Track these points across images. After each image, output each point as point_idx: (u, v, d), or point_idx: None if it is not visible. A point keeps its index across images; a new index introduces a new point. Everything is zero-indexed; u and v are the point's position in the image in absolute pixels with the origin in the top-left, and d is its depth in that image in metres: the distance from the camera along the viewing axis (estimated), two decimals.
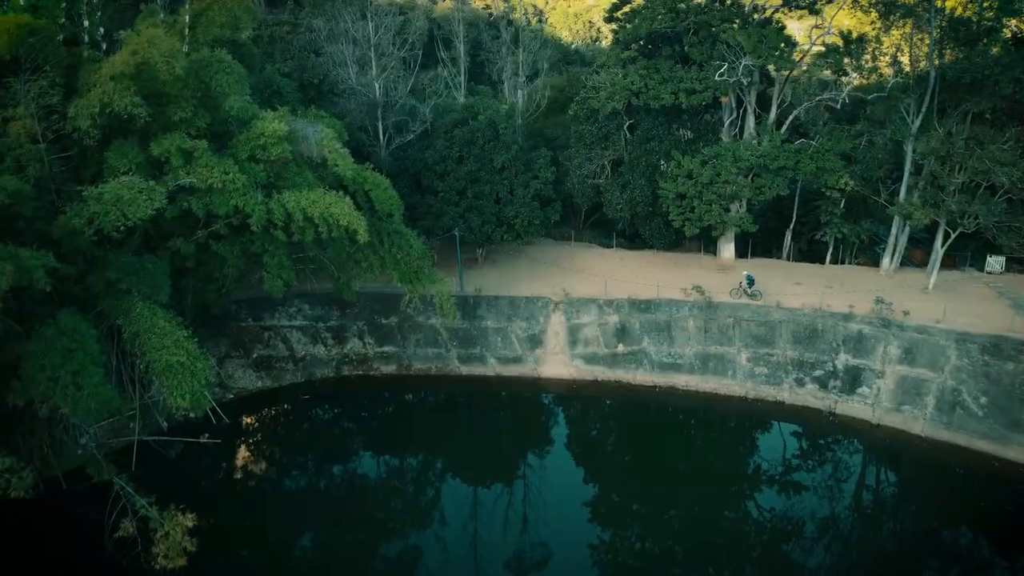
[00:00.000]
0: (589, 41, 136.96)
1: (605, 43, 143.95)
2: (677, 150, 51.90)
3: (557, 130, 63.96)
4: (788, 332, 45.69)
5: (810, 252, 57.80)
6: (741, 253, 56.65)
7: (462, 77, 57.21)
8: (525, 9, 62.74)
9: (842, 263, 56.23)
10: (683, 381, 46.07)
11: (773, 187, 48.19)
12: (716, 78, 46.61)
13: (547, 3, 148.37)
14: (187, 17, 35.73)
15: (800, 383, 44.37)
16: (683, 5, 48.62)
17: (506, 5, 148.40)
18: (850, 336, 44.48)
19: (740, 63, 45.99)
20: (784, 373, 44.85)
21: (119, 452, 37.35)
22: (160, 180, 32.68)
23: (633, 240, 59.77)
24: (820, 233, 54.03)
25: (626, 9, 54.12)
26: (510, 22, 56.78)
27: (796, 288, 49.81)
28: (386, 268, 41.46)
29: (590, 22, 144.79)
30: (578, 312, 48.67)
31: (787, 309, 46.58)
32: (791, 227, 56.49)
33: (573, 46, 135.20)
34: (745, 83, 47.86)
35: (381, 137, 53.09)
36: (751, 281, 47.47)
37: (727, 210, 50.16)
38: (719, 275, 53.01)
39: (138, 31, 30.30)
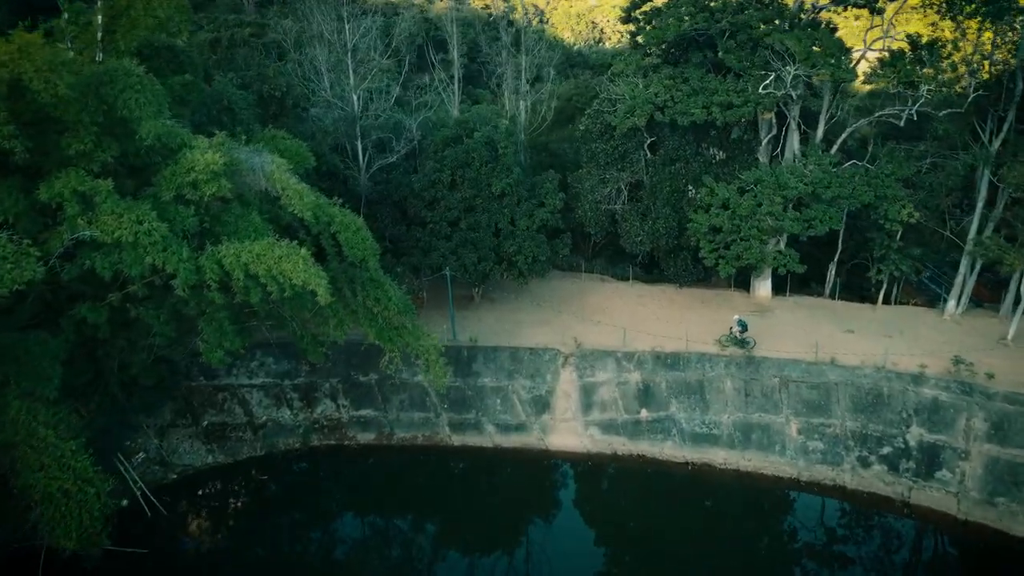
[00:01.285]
0: (592, 42, 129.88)
1: (609, 44, 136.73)
2: (708, 174, 44.10)
3: (564, 145, 56.20)
4: (847, 397, 37.90)
5: (854, 286, 49.98)
6: (777, 287, 48.80)
7: (456, 86, 49.52)
8: (526, 9, 54.95)
9: (896, 303, 48.40)
10: (721, 457, 38.21)
11: (826, 220, 40.38)
12: (761, 91, 38.75)
13: (548, 3, 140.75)
14: (99, 18, 27.86)
15: (864, 463, 36.55)
16: (716, 2, 40.77)
17: (506, 5, 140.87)
18: (923, 404, 36.72)
19: (789, 73, 38.14)
20: (844, 450, 37.02)
21: (18, 562, 29.50)
22: (54, 232, 24.89)
23: (651, 270, 51.98)
24: (873, 269, 46.22)
25: (646, 8, 46.32)
26: (511, 23, 49.11)
27: (848, 338, 42.08)
28: (360, 324, 33.71)
29: (593, 23, 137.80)
30: (592, 368, 40.87)
31: (844, 367, 38.83)
32: (835, 259, 48.65)
33: (576, 47, 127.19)
34: (795, 96, 40.05)
35: (360, 158, 45.26)
36: (744, 327, 39.99)
37: (764, 243, 42.36)
38: (755, 318, 45.22)
39: (10, 37, 22.46)
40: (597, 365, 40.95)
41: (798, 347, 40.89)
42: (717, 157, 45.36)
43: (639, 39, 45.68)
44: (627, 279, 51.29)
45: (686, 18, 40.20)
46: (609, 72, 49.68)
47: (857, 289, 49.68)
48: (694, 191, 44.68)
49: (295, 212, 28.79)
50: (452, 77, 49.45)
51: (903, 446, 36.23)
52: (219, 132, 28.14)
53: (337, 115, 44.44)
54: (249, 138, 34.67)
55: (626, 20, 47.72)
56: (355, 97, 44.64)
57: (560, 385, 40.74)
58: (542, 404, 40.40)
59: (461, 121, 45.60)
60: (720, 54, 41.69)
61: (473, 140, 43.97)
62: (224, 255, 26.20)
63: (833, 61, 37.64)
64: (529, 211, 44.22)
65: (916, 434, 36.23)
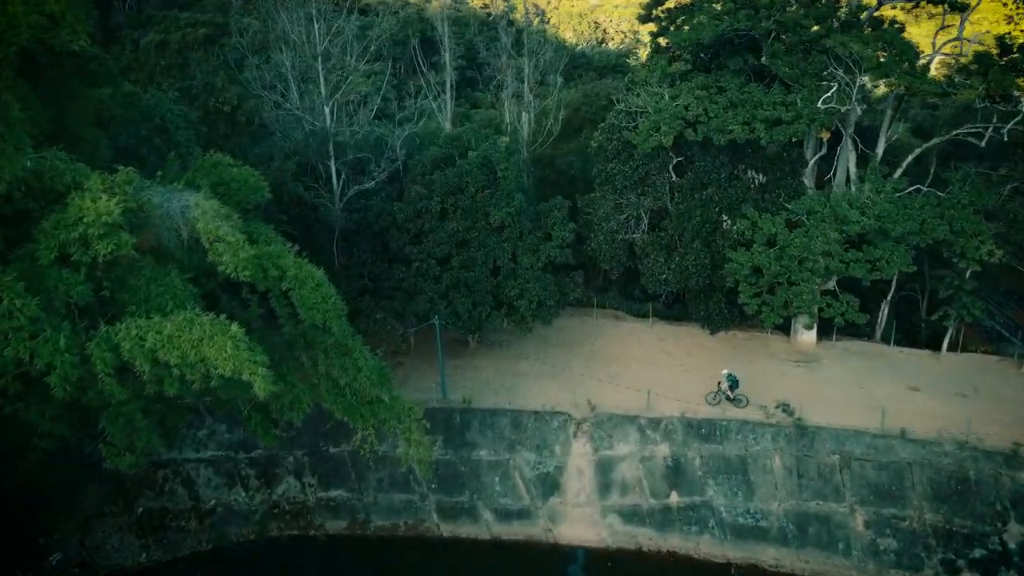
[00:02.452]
0: (595, 43, 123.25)
1: (612, 44, 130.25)
2: (747, 201, 37.06)
3: (572, 159, 49.03)
4: (924, 481, 30.90)
5: (901, 320, 42.65)
6: (821, 329, 41.59)
7: (448, 95, 42.45)
8: (528, 9, 47.86)
9: (960, 349, 41.27)
10: (771, 556, 31.12)
11: (894, 261, 33.38)
12: (820, 105, 31.68)
13: (549, 2, 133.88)
14: None
15: (951, 569, 29.50)
16: None
17: (506, 4, 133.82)
18: (1021, 493, 29.75)
19: (855, 83, 31.07)
20: (924, 551, 29.96)
21: None
22: None
23: (672, 305, 44.95)
24: (939, 313, 39.18)
25: (670, 4, 39.27)
26: (510, 22, 42.02)
27: (915, 398, 35.19)
28: (323, 400, 26.75)
29: (595, 22, 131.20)
30: (610, 438, 33.88)
31: (917, 441, 31.91)
32: (889, 298, 41.53)
33: (579, 48, 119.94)
34: (859, 111, 33.00)
35: (334, 182, 38.18)
36: (734, 383, 33.80)
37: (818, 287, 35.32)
38: (799, 369, 38.27)
39: None
40: (616, 434, 33.94)
41: (857, 411, 33.98)
42: (756, 181, 38.28)
43: (664, 41, 38.72)
44: (646, 315, 44.22)
45: (724, 16, 33.10)
46: (626, 79, 42.60)
47: (904, 324, 42.34)
48: (729, 221, 37.62)
49: (227, 271, 21.77)
50: (445, 84, 42.44)
51: (999, 548, 29.21)
52: (125, 168, 21.00)
53: (307, 131, 37.34)
54: (185, 165, 27.75)
55: (646, 19, 40.63)
56: (327, 110, 37.58)
57: (572, 460, 33.73)
58: (550, 484, 33.37)
59: (453, 138, 38.49)
60: (764, 59, 34.67)
61: (467, 161, 36.97)
62: (122, 339, 19.15)
63: (908, 68, 30.58)
64: (534, 245, 37.20)
65: (1016, 533, 29.24)
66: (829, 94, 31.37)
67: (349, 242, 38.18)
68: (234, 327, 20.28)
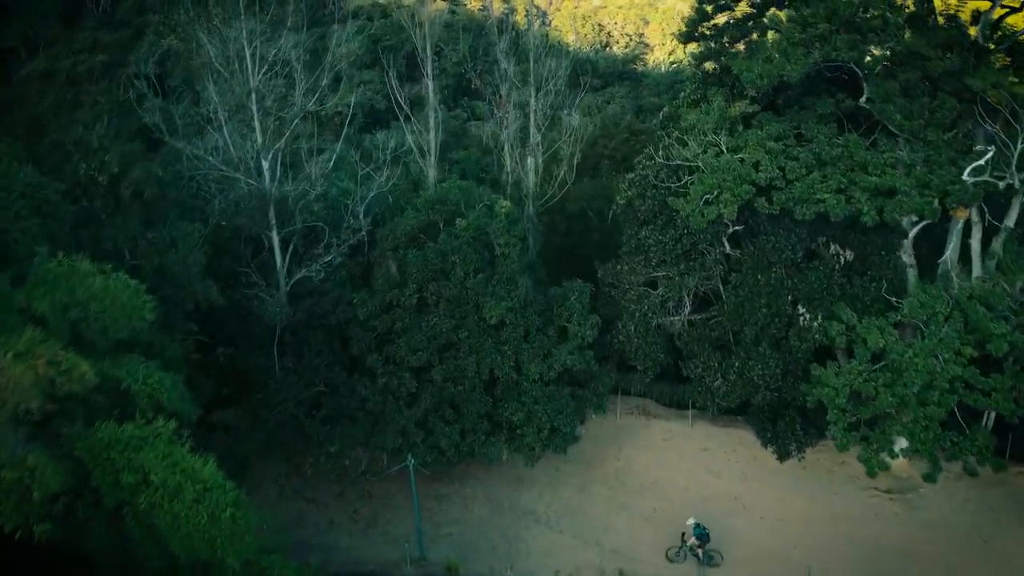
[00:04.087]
0: (599, 46, 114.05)
1: (617, 49, 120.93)
2: (831, 288, 27.36)
3: (589, 212, 39.04)
4: None
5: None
6: None
7: (432, 135, 32.54)
8: (535, 19, 37.73)
9: None
10: None
11: None
12: (968, 177, 21.93)
13: (551, 3, 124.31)
14: None
15: None
16: (869, 16, 23.79)
17: (505, 6, 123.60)
18: None
19: (1018, 144, 21.32)
20: None
21: None
22: None
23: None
24: None
25: (721, 19, 29.39)
26: (514, 42, 31.80)
27: None
28: None
29: (599, 25, 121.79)
30: None
31: None
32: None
33: (582, 52, 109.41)
34: (1019, 182, 23.20)
35: (278, 261, 28.41)
36: (703, 536, 25.21)
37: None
38: (891, 505, 28.69)
39: None
40: None
41: None
42: (842, 258, 28.48)
43: (711, 65, 28.93)
44: (686, 416, 34.31)
45: (816, 43, 23.26)
46: (661, 115, 32.77)
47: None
48: (807, 315, 27.90)
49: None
50: (427, 119, 32.50)
51: None
52: None
53: (238, 195, 27.53)
54: (21, 278, 18.16)
55: (689, 37, 30.77)
56: (266, 163, 27.76)
57: None
58: None
59: (436, 200, 28.66)
60: (865, 100, 24.91)
61: (455, 233, 27.34)
62: None
63: None
64: (544, 349, 27.58)
65: None
66: (982, 162, 21.61)
67: (299, 337, 28.51)
68: None
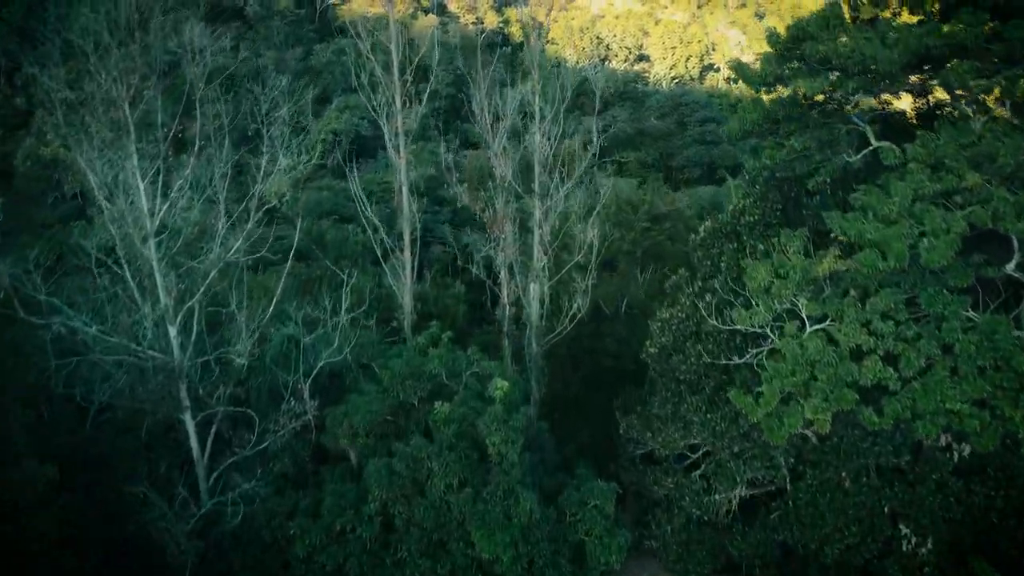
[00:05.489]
0: (598, 61, 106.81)
1: (615, 63, 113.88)
2: (952, 513, 19.87)
3: (603, 303, 31.29)
4: None
5: None
6: None
7: (406, 258, 24.64)
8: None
9: None
10: None
11: None
12: None
13: (548, 14, 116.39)
14: None
15: None
16: None
17: (500, 18, 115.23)
18: None
19: None
20: None
21: None
22: None
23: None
24: None
25: (821, 48, 20.76)
26: (496, 132, 23.67)
27: None
28: None
29: (597, 37, 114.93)
30: None
31: None
32: None
33: (580, 67, 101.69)
34: None
35: (195, 450, 20.77)
36: None
37: None
38: None
39: None
40: None
41: None
42: (956, 454, 20.98)
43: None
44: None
45: (959, 204, 15.60)
46: (703, 231, 25.15)
47: None
48: (911, 538, 20.41)
49: None
50: (402, 236, 24.65)
51: None
52: None
53: (132, 376, 19.84)
54: None
55: (774, 81, 21.39)
56: (174, 329, 20.06)
57: None
58: None
59: (409, 375, 20.97)
60: (1020, 269, 17.37)
61: (434, 427, 19.80)
62: None
63: None
64: None
65: None
66: None
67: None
68: None
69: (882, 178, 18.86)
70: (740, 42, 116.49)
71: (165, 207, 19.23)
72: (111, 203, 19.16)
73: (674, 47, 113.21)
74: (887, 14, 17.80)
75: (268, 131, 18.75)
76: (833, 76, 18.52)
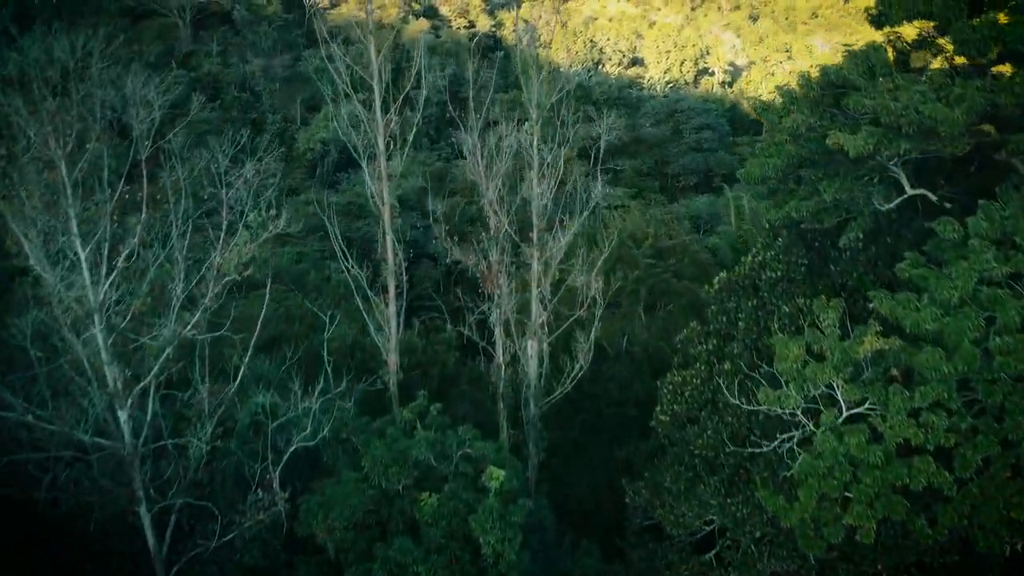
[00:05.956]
0: (591, 65, 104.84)
1: (610, 67, 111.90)
2: None
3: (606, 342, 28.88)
4: None
5: None
6: None
7: (392, 310, 22.33)
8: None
9: None
10: None
11: None
12: None
13: (541, 17, 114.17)
14: None
15: None
16: None
17: (492, 21, 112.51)
18: None
19: None
20: None
21: None
22: None
23: None
24: None
25: (868, 104, 17.63)
26: (492, 213, 20.72)
27: None
28: None
29: (591, 41, 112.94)
30: None
31: None
32: None
33: (573, 71, 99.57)
34: None
35: (151, 545, 18.29)
36: None
37: None
38: None
39: None
40: None
41: None
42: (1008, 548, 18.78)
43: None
44: None
45: None
46: (717, 282, 22.87)
47: None
48: None
49: None
50: (386, 293, 22.34)
51: None
52: None
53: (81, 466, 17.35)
54: None
55: (806, 131, 18.29)
56: (124, 414, 17.57)
57: None
58: None
59: (391, 462, 18.50)
60: None
61: (422, 509, 17.38)
62: None
63: None
64: None
65: None
66: None
67: None
68: None
69: (929, 244, 16.57)
70: (735, 45, 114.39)
71: (112, 277, 16.70)
72: (49, 274, 16.63)
73: (668, 51, 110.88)
74: (938, 63, 15.47)
75: (227, 194, 16.23)
76: (878, 129, 16.17)
